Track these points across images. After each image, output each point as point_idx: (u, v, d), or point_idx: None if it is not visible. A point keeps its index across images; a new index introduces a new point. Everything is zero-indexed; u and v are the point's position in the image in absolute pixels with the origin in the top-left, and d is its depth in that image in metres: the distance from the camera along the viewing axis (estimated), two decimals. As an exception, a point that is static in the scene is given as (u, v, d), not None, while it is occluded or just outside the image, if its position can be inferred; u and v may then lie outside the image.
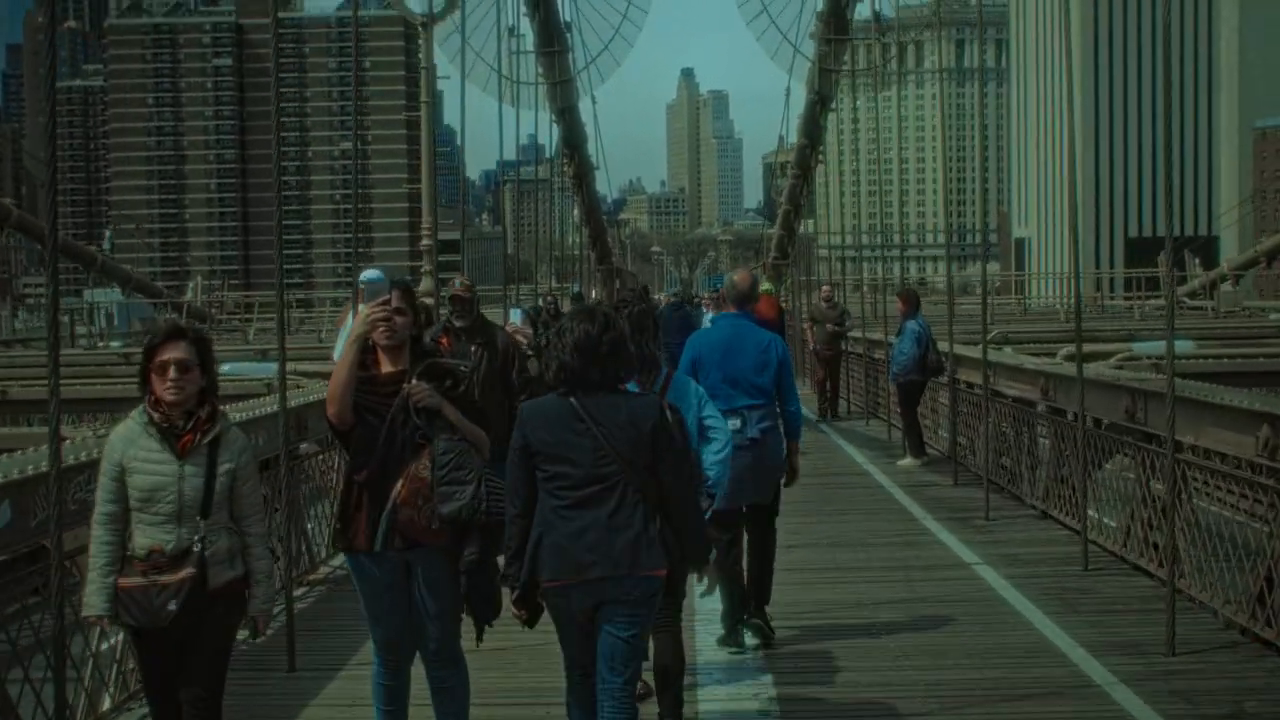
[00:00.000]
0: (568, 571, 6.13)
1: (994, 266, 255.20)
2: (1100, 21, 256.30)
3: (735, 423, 9.11)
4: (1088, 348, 15.66)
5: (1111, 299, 64.10)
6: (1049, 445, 15.06)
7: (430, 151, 20.78)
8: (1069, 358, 17.01)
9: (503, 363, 11.25)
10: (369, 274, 15.37)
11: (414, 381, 6.76)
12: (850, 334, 27.86)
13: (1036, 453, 16.18)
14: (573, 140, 36.24)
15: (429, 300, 21.07)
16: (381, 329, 6.75)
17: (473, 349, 11.07)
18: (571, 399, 6.19)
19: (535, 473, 6.21)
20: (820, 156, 37.10)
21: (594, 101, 39.87)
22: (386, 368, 6.88)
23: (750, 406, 9.53)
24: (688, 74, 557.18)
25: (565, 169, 37.48)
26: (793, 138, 42.18)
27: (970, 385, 19.06)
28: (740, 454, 8.85)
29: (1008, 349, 21.03)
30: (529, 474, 6.22)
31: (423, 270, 20.15)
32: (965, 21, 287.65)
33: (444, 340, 11.15)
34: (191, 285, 59.10)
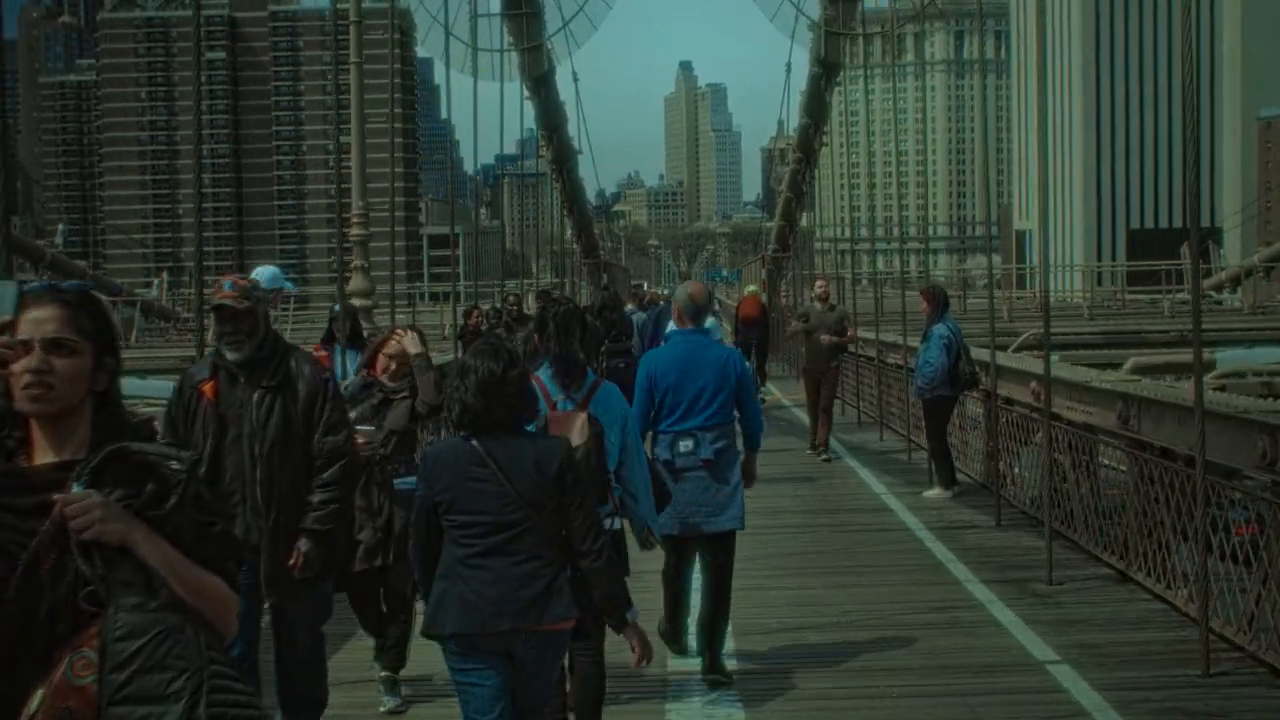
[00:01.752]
0: (476, 624, 5.84)
1: (994, 259, 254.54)
2: (1101, 11, 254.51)
3: (688, 444, 8.94)
4: (1154, 357, 12.40)
5: (1118, 292, 60.52)
6: (1131, 487, 11.66)
7: (360, 118, 17.53)
8: (1139, 371, 13.70)
9: (305, 416, 7.06)
10: (264, 273, 12.28)
11: (78, 489, 3.20)
12: (847, 347, 22.56)
13: (1098, 488, 12.92)
14: (551, 120, 32.34)
15: (361, 303, 17.72)
16: (16, 381, 3.30)
17: (255, 398, 7.03)
18: (474, 442, 5.86)
19: (442, 522, 5.89)
20: (824, 139, 33.47)
21: (575, 79, 36.33)
22: (43, 456, 3.38)
23: (705, 428, 9.02)
24: (685, 67, 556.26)
25: (543, 151, 33.30)
26: (794, 123, 38.89)
27: (1010, 402, 15.77)
28: (693, 476, 8.84)
29: (1053, 358, 17.69)
30: (435, 525, 5.92)
31: (353, 265, 16.71)
32: (964, 13, 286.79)
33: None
34: (156, 281, 55.96)
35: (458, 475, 5.86)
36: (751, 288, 33.45)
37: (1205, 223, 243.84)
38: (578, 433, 6.64)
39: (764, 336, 29.18)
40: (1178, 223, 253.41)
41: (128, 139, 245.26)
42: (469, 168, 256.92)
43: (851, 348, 23.98)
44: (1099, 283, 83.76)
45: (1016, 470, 15.73)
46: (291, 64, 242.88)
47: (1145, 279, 63.40)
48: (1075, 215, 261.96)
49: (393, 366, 8.86)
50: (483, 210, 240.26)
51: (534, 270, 57.04)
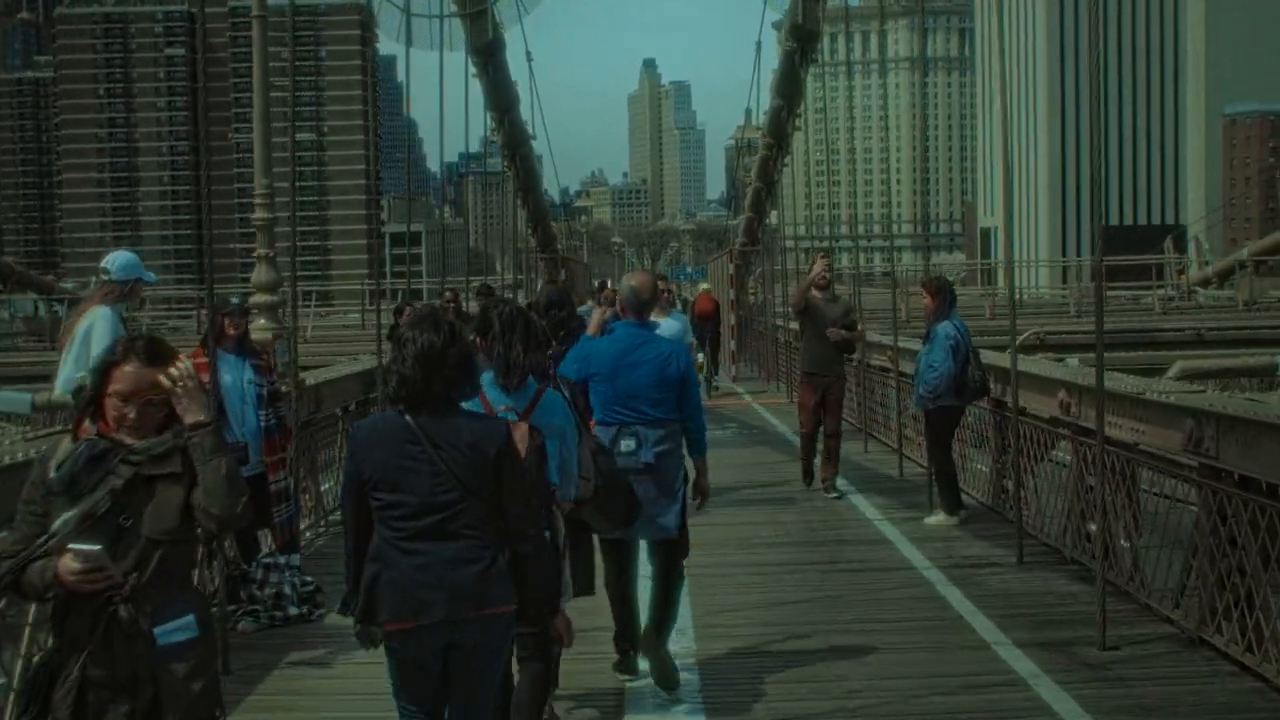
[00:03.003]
0: (408, 613, 5.52)
1: (959, 256, 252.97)
2: (1066, 8, 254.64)
3: (629, 444, 8.55)
4: (1204, 361, 10.18)
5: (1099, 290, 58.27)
6: (1201, 527, 9.36)
7: (263, 86, 15.24)
8: (1190, 377, 11.41)
9: None
10: (116, 259, 10.03)
11: None
12: (855, 347, 18.37)
13: (1138, 520, 10.68)
14: (501, 100, 29.32)
15: (267, 299, 15.34)
16: None
17: None
18: (408, 417, 5.55)
19: (370, 501, 5.57)
20: (798, 123, 30.78)
21: (529, 59, 33.62)
22: None
23: (647, 424, 8.61)
24: (649, 65, 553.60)
25: (494, 135, 30.39)
26: (765, 105, 36.50)
27: (1021, 412, 13.45)
28: (633, 480, 8.14)
29: (1071, 360, 15.43)
30: (363, 503, 5.62)
31: (256, 254, 14.32)
32: (927, 11, 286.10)
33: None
34: (94, 280, 53.16)
35: (388, 451, 5.56)
36: (705, 285, 33.95)
37: (1170, 220, 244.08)
38: (517, 446, 6.03)
39: (716, 332, 31.04)
40: (1143, 219, 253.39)
41: (86, 136, 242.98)
42: (433, 165, 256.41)
43: (850, 366, 20.32)
44: (1065, 280, 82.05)
45: (1029, 495, 13.40)
46: (251, 60, 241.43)
47: (1115, 275, 61.10)
48: (1041, 212, 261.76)
49: (129, 415, 4.91)
50: (446, 208, 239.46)
51: (499, 267, 54.82)
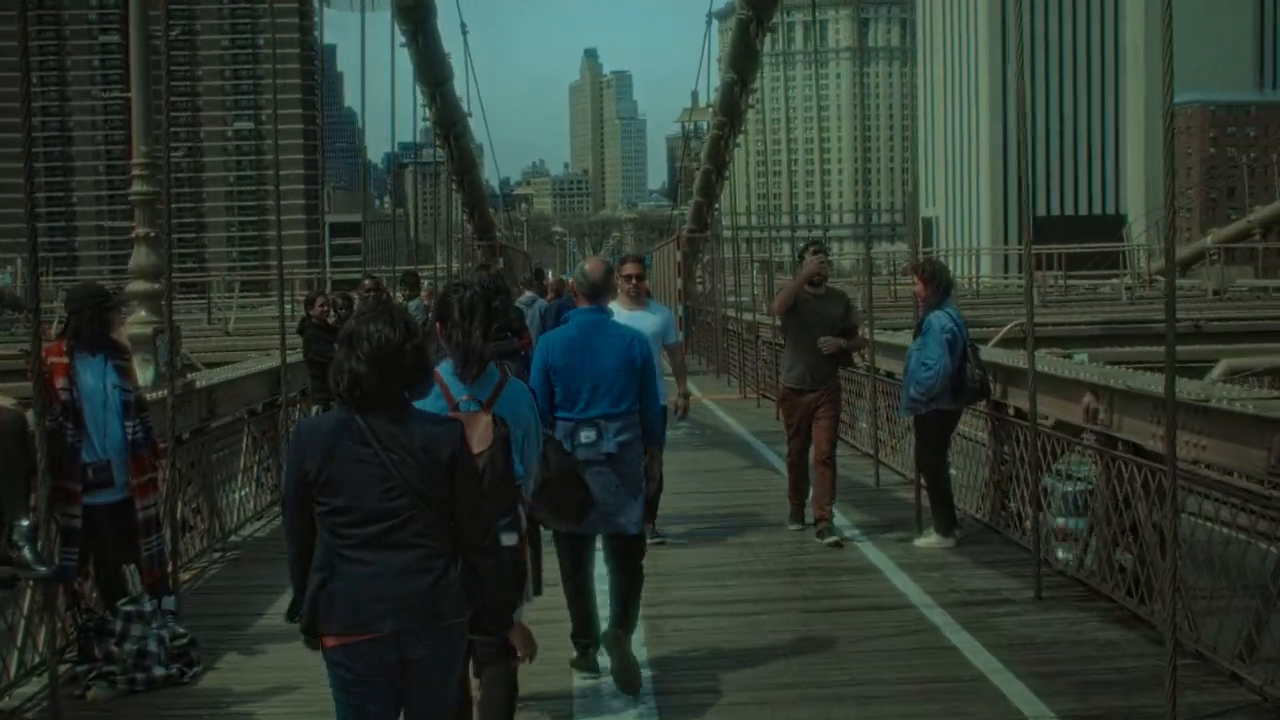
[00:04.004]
0: (356, 625, 5.12)
1: (901, 246, 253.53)
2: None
3: (590, 434, 8.27)
4: (1248, 359, 8.58)
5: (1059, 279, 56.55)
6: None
7: (141, 51, 13.26)
8: (1236, 376, 9.58)
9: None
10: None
11: None
12: (854, 358, 15.10)
13: (1178, 553, 8.79)
14: (432, 74, 26.73)
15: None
16: None
17: None
18: (358, 417, 5.15)
19: (315, 506, 5.18)
20: (754, 99, 28.52)
21: (464, 31, 31.15)
22: None
23: (608, 416, 8.32)
24: (590, 54, 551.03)
25: (426, 116, 27.84)
26: (713, 92, 34.71)
27: (1019, 414, 11.44)
28: (592, 471, 7.99)
29: (1080, 356, 13.55)
30: (307, 507, 5.21)
31: (135, 234, 12.28)
32: (866, 1, 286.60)
33: None
34: (10, 269, 50.96)
35: (334, 453, 5.17)
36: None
37: (1110, 209, 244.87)
38: (479, 437, 5.97)
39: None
40: (1084, 209, 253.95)
41: (16, 125, 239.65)
42: (373, 156, 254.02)
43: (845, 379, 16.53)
44: (1007, 269, 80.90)
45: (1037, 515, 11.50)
46: (189, 47, 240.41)
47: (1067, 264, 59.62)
48: (982, 202, 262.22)
49: None
50: (385, 199, 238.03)
51: (436, 258, 53.04)
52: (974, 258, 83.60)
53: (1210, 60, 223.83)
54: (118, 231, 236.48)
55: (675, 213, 58.02)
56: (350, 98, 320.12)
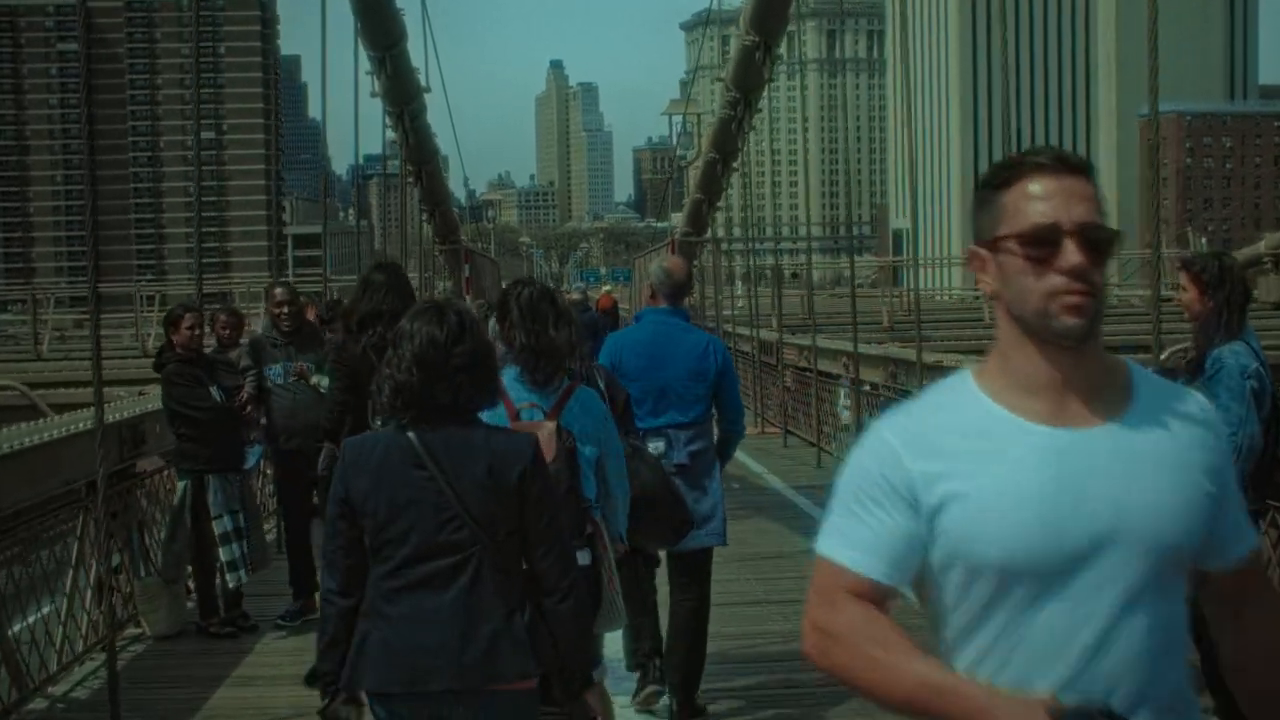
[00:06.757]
0: (396, 680, 4.44)
1: (869, 259, 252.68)
2: (979, 10, 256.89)
3: (659, 445, 7.65)
4: None
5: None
6: None
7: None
8: None
9: None
10: None
11: None
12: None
13: None
14: (384, 39, 21.80)
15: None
16: None
17: None
18: (410, 434, 4.50)
19: (362, 538, 4.50)
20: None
21: (426, 14, 28.15)
22: None
23: (679, 425, 7.76)
24: (556, 66, 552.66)
25: (376, 90, 24.10)
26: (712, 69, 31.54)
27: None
28: None
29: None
30: (353, 539, 4.51)
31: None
32: (836, 12, 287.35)
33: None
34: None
35: (384, 477, 4.50)
36: (606, 287, 33.02)
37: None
38: (543, 450, 5.00)
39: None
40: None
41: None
42: (337, 167, 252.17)
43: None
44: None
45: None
46: (148, 55, 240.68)
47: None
48: (953, 213, 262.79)
49: None
50: (349, 211, 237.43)
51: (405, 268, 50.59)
52: (944, 269, 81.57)
53: (1181, 71, 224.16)
54: (75, 240, 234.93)
55: (639, 225, 55.65)
56: (315, 108, 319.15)
